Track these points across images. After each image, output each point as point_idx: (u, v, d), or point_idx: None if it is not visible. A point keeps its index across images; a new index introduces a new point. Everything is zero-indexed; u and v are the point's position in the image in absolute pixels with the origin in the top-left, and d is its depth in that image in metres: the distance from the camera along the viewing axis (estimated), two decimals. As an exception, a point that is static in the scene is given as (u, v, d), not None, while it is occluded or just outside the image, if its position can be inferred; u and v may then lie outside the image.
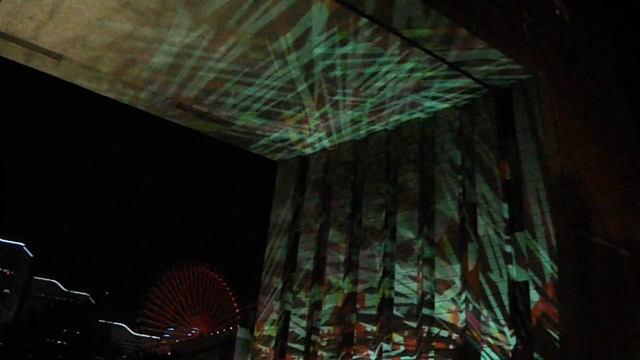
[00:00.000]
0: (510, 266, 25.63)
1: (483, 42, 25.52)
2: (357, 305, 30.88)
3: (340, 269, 32.68)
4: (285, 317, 34.66)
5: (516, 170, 27.10)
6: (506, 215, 26.73)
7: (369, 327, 29.64)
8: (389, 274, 30.63)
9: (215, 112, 32.88)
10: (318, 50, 26.93)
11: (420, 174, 31.20)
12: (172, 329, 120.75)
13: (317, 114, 32.72)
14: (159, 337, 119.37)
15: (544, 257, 24.00)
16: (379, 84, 29.30)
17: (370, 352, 29.05)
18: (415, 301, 28.37)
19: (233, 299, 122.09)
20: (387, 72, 28.33)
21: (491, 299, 25.36)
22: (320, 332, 31.91)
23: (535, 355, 22.83)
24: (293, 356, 32.53)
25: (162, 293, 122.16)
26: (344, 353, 30.58)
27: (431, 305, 27.84)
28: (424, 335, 27.58)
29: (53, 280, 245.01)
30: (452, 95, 29.97)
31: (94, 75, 29.69)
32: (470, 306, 26.35)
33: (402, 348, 27.85)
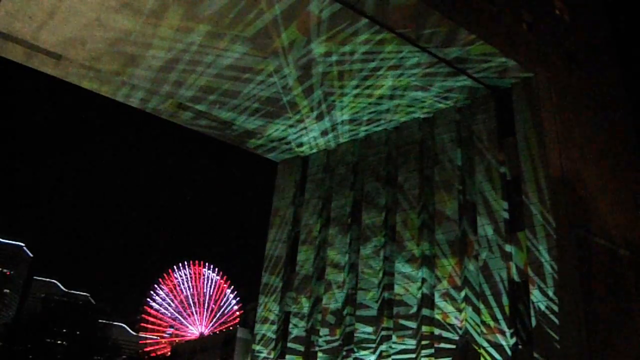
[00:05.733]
0: (510, 266, 25.63)
1: (483, 42, 25.51)
2: (357, 306, 30.88)
3: (340, 269, 32.67)
4: (285, 317, 34.64)
5: (516, 170, 27.08)
6: (506, 215, 26.72)
7: (369, 328, 29.63)
8: (388, 274, 30.61)
9: (215, 112, 32.87)
10: (317, 50, 26.92)
11: (420, 174, 31.18)
12: (172, 329, 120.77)
13: (316, 114, 32.71)
14: (159, 337, 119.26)
15: (544, 256, 23.99)
16: (379, 83, 29.29)
17: (369, 352, 29.05)
18: (414, 301, 28.35)
19: (233, 299, 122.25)
20: (386, 72, 28.33)
21: (491, 298, 25.35)
22: (320, 332, 31.91)
23: (535, 355, 22.83)
24: (293, 356, 32.53)
25: (162, 293, 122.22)
26: (343, 353, 30.57)
27: (431, 305, 27.83)
28: (424, 335, 27.57)
29: (53, 280, 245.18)
30: (452, 95, 29.97)
31: (94, 75, 29.68)
32: (470, 306, 26.35)
33: (402, 348, 27.85)
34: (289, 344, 33.03)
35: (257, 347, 34.63)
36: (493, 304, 25.19)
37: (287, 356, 32.75)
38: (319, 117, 33.09)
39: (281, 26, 25.37)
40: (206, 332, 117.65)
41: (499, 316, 24.78)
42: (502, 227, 26.37)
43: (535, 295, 23.73)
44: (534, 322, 23.51)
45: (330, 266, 33.21)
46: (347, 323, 31.31)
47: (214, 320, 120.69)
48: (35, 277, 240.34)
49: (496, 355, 24.19)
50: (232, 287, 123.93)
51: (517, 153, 27.08)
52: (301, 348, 32.46)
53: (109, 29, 25.84)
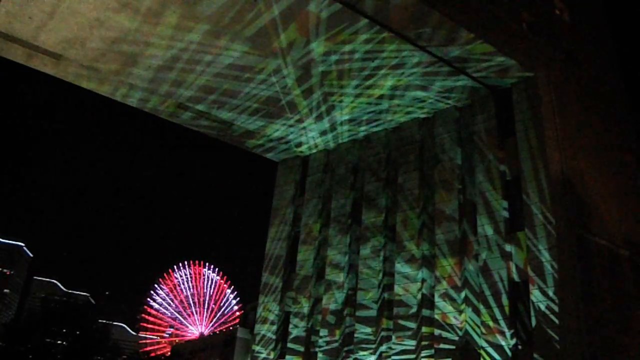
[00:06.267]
0: (510, 266, 25.62)
1: (483, 42, 25.50)
2: (357, 306, 30.86)
3: (340, 269, 32.67)
4: (285, 317, 34.65)
5: (516, 169, 27.08)
6: (506, 214, 26.71)
7: (369, 328, 29.62)
8: (388, 274, 30.61)
9: (215, 112, 32.88)
10: (317, 50, 26.91)
11: (420, 174, 31.18)
12: (172, 329, 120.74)
13: (316, 114, 32.70)
14: (158, 337, 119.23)
15: (544, 256, 23.98)
16: (379, 83, 29.28)
17: (369, 353, 29.03)
18: (414, 302, 28.34)
19: (233, 299, 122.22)
20: (386, 72, 28.32)
21: (491, 299, 25.34)
22: (320, 333, 31.89)
23: (535, 355, 22.81)
24: (292, 357, 32.51)
25: (162, 293, 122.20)
26: (343, 354, 30.56)
27: (431, 305, 27.81)
28: (423, 336, 27.55)
29: (53, 280, 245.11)
30: (452, 95, 29.96)
31: (94, 75, 29.72)
32: (470, 306, 26.33)
33: (402, 349, 27.84)
34: (289, 345, 33.03)
35: (257, 348, 34.62)
36: (493, 304, 25.18)
37: (287, 356, 32.75)
38: (319, 117, 33.07)
39: (280, 26, 25.36)
40: (206, 332, 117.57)
41: (499, 316, 24.76)
42: (502, 227, 26.36)
43: (535, 295, 23.71)
44: (534, 322, 23.50)
45: (330, 266, 33.20)
46: (347, 323, 31.30)
47: (214, 320, 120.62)
48: (35, 277, 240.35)
49: (496, 356, 24.17)
50: (232, 287, 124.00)
51: (517, 153, 27.08)
52: (301, 348, 32.45)
53: (109, 28, 25.86)
